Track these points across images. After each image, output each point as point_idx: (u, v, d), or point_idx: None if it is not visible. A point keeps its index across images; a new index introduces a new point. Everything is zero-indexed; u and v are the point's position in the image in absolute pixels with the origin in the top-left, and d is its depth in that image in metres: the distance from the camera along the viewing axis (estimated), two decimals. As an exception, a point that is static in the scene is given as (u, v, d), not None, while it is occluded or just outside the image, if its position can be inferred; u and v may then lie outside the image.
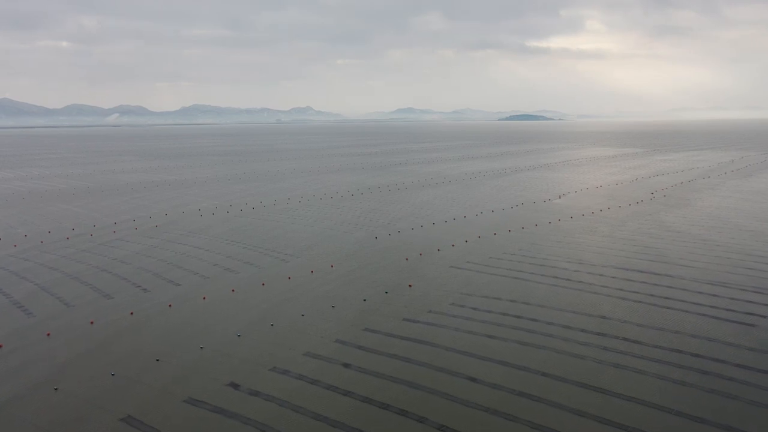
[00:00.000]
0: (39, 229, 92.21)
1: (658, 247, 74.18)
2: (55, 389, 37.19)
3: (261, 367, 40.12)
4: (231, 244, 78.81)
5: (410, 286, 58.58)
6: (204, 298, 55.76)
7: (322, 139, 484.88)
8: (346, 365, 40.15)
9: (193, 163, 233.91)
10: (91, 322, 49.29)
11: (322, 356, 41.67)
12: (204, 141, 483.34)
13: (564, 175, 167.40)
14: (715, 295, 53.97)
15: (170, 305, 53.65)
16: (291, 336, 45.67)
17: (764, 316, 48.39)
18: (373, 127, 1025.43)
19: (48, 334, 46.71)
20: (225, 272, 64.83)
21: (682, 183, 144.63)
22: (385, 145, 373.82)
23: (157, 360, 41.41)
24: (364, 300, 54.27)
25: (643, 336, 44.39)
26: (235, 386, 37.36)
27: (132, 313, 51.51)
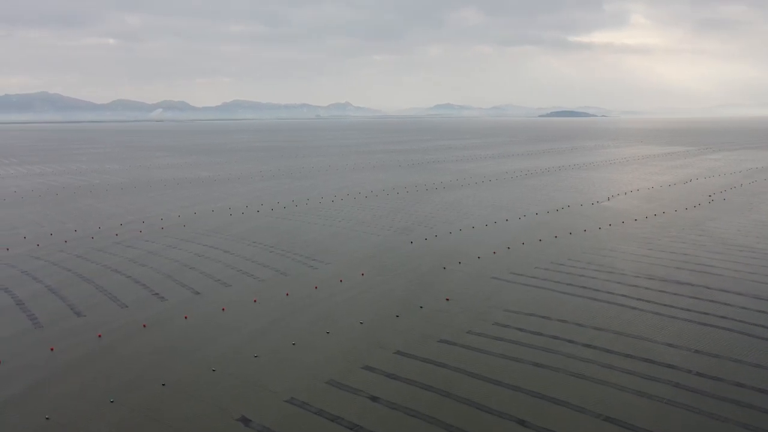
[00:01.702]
0: (65, 227, 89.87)
1: (727, 261, 66.84)
2: (47, 418, 33.11)
3: (277, 397, 35.31)
4: (258, 246, 74.59)
5: (448, 299, 53.11)
6: (223, 309, 51.40)
7: (359, 135, 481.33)
8: (374, 399, 35.00)
9: (228, 159, 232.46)
10: (99, 335, 45.39)
11: (347, 386, 36.61)
12: (242, 136, 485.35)
13: (612, 174, 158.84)
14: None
15: (186, 317, 49.44)
16: (313, 359, 40.76)
17: None
18: (411, 123, 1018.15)
19: (51, 349, 42.93)
20: (248, 279, 60.48)
21: (741, 185, 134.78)
22: (423, 141, 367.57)
23: (163, 385, 37.04)
24: (397, 316, 49.07)
25: (720, 370, 37.95)
26: (245, 421, 32.64)
27: (144, 326, 47.46)
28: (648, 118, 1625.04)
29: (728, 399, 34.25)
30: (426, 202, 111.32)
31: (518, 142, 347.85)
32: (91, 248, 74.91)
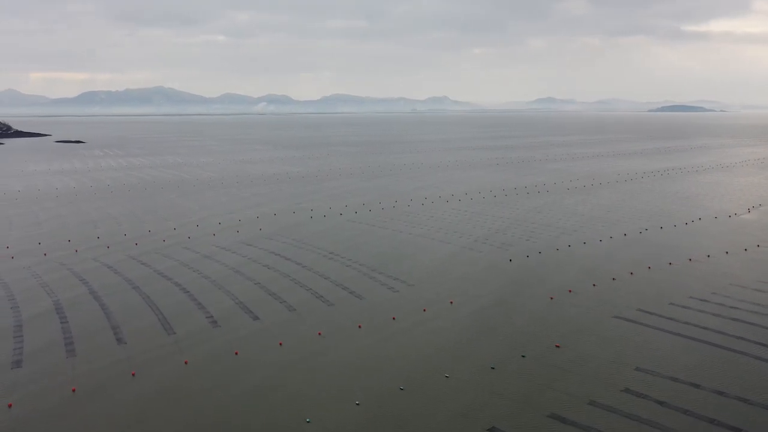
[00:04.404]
0: (142, 227, 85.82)
1: None
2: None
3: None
4: (335, 260, 66.00)
5: (558, 346, 41.76)
6: (280, 343, 42.93)
7: (457, 130, 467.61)
8: None
9: (321, 153, 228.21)
10: (133, 374, 38.14)
11: (420, 486, 26.61)
12: (340, 130, 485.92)
13: (747, 179, 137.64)
14: None
15: (237, 353, 41.37)
16: (377, 430, 31.08)
17: None
18: (511, 118, 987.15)
19: (73, 390, 36.01)
20: (317, 303, 51.81)
21: None
22: (524, 137, 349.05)
23: (185, 459, 28.76)
24: (492, 368, 38.43)
25: None
26: None
27: (186, 363, 39.81)
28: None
29: None
30: (529, 209, 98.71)
31: (628, 139, 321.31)
32: (160, 253, 69.43)
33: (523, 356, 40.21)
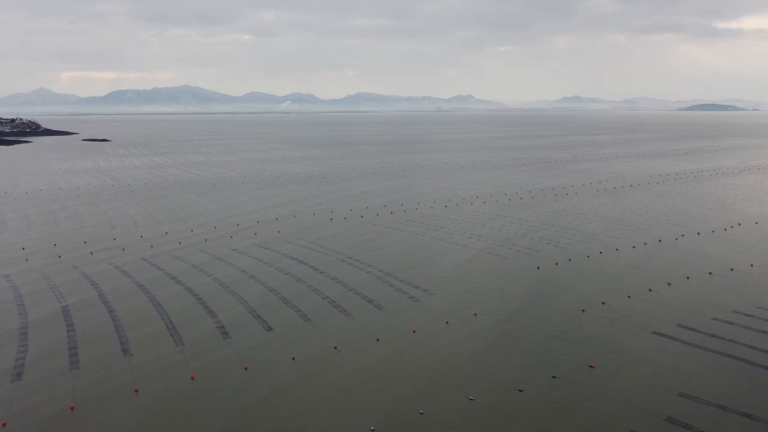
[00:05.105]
0: (159, 228, 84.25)
1: None
2: None
3: None
4: (354, 265, 63.37)
5: (592, 366, 38.53)
6: (293, 357, 40.41)
7: (481, 129, 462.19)
8: None
9: (344, 152, 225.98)
10: (136, 390, 35.93)
11: None
12: (363, 129, 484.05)
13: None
14: None
15: (246, 368, 38.93)
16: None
17: None
18: (537, 117, 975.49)
19: (72, 407, 33.92)
20: (334, 312, 49.21)
21: None
22: (550, 137, 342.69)
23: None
24: (520, 390, 35.38)
25: None
26: None
27: (193, 378, 37.51)
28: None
29: None
30: (557, 212, 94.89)
31: (657, 138, 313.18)
32: (175, 256, 67.60)
33: (553, 377, 37.09)
